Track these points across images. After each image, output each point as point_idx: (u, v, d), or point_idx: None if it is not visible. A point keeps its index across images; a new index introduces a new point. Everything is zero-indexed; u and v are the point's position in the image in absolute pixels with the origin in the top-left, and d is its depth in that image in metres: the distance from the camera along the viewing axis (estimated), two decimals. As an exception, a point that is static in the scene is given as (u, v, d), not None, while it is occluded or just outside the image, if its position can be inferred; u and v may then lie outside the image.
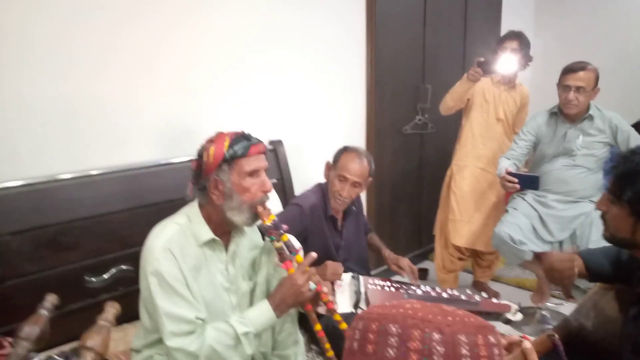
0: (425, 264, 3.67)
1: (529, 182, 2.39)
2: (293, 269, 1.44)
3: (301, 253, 1.51)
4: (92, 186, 1.85)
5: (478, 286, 3.20)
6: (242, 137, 1.43)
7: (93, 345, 0.92)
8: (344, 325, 1.51)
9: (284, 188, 2.48)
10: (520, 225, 2.47)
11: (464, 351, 0.54)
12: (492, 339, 0.58)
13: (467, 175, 2.97)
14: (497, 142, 2.93)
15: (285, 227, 1.46)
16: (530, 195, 2.61)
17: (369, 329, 0.57)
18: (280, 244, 1.44)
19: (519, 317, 1.96)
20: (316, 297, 1.49)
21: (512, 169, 2.49)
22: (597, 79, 2.40)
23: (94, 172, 1.88)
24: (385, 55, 3.16)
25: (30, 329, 0.91)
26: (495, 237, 2.51)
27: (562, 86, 2.43)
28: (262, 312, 1.41)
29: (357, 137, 3.13)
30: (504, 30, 3.53)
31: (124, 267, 1.87)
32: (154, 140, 2.11)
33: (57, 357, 1.54)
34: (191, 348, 1.31)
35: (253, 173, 1.43)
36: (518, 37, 2.79)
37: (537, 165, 2.67)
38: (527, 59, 2.82)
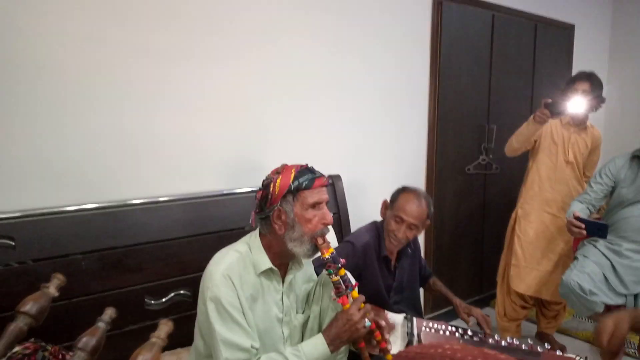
0: (485, 311, 3.50)
1: (596, 229, 2.25)
2: (349, 304, 1.41)
3: (357, 289, 1.49)
4: (158, 212, 1.94)
5: (542, 337, 3.01)
6: (307, 170, 1.46)
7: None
8: None
9: (340, 223, 2.47)
10: (591, 274, 2.32)
11: None
12: None
13: (533, 219, 2.84)
14: (567, 186, 2.80)
15: (343, 261, 1.45)
16: (602, 242, 2.46)
17: None
18: (337, 278, 1.43)
19: (585, 372, 1.82)
20: (369, 336, 1.45)
21: (582, 214, 2.36)
22: None
23: (160, 199, 1.97)
24: (449, 95, 3.15)
25: (87, 340, 0.94)
26: (563, 285, 2.36)
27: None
28: (317, 346, 1.39)
29: (418, 176, 3.10)
30: (575, 72, 3.44)
31: (182, 291, 1.92)
32: (219, 171, 2.19)
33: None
34: (243, 377, 1.30)
35: (315, 205, 1.43)
36: (589, 78, 2.70)
37: (614, 210, 2.51)
38: (599, 101, 2.70)
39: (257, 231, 1.50)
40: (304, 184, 1.41)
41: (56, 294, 1.02)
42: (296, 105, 2.45)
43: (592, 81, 2.69)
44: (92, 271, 1.75)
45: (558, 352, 1.89)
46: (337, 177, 2.56)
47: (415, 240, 2.15)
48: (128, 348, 1.77)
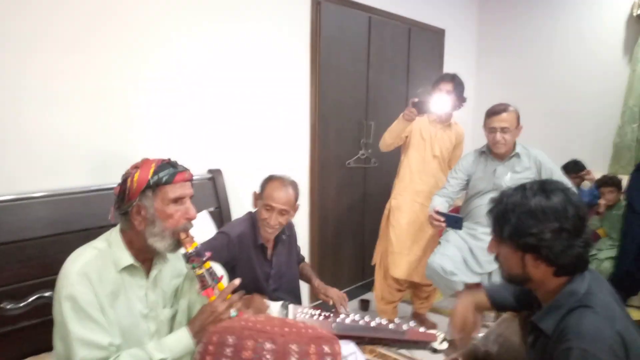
0: (368, 296, 3.71)
1: (453, 221, 2.49)
2: (214, 296, 1.44)
3: (224, 281, 1.52)
4: (15, 210, 1.81)
5: (417, 317, 3.26)
6: (167, 164, 1.45)
7: None
8: None
9: (221, 217, 2.49)
10: (452, 256, 2.57)
11: (293, 359, 0.58)
12: (326, 349, 0.62)
13: (405, 209, 3.06)
14: (434, 178, 3.05)
15: (208, 254, 1.48)
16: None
17: (210, 342, 0.60)
18: (202, 271, 1.45)
19: (444, 346, 2.02)
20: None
21: (442, 208, 2.59)
22: (518, 118, 2.57)
23: (17, 197, 1.84)
24: (330, 92, 3.28)
25: None
26: (428, 267, 2.59)
27: (488, 128, 2.58)
28: (180, 338, 1.40)
29: (301, 170, 3.19)
30: (446, 70, 3.73)
31: (46, 294, 1.82)
32: (86, 166, 2.10)
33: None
34: (102, 376, 1.28)
35: (177, 200, 1.44)
36: (452, 79, 2.96)
37: (470, 200, 2.79)
38: (461, 100, 2.98)
39: (117, 227, 1.47)
40: (164, 179, 1.40)
41: None
42: (174, 98, 2.42)
43: (455, 82, 2.95)
44: None
45: (421, 329, 2.05)
46: (217, 172, 2.57)
47: (290, 227, 2.23)
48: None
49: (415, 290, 3.24)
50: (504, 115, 2.52)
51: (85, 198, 2.01)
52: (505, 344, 1.43)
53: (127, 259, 1.42)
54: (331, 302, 2.19)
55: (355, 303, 3.57)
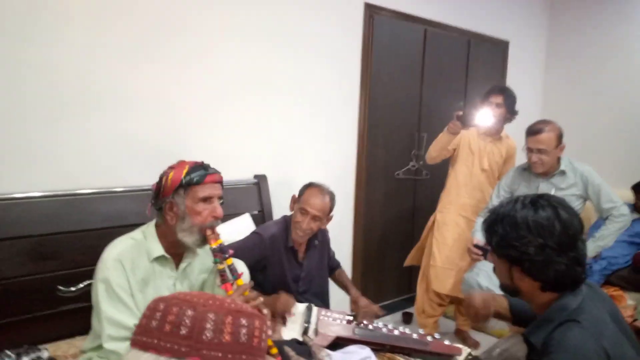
0: (413, 309, 3.69)
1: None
2: (232, 291, 1.56)
3: (244, 278, 1.63)
4: (74, 204, 2.05)
5: (459, 334, 3.21)
6: (200, 167, 1.60)
7: None
8: (274, 351, 1.60)
9: (263, 220, 2.62)
10: (489, 273, 2.52)
11: (208, 325, 0.66)
12: (243, 321, 0.69)
13: (450, 223, 3.05)
14: (481, 192, 3.01)
15: (231, 251, 1.60)
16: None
17: (147, 307, 0.71)
18: (223, 266, 1.57)
19: (468, 361, 2.00)
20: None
21: (481, 239, 2.56)
22: (559, 137, 2.47)
23: (77, 192, 2.08)
24: (380, 103, 3.34)
25: None
26: (464, 283, 2.57)
27: (527, 148, 2.52)
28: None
29: (347, 179, 3.27)
30: (510, 84, 3.63)
31: (95, 281, 2.03)
32: (140, 166, 2.30)
33: (9, 353, 1.68)
34: (124, 352, 1.43)
35: (206, 199, 1.58)
36: (502, 92, 2.92)
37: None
38: (512, 113, 2.93)
39: (153, 221, 1.64)
40: (195, 179, 1.55)
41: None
42: (226, 104, 2.59)
43: (505, 94, 2.91)
44: (5, 258, 1.85)
45: (446, 342, 2.05)
46: (262, 177, 2.71)
47: (324, 234, 2.31)
48: (39, 333, 1.90)
49: (459, 306, 3.20)
50: (541, 136, 2.44)
51: (138, 196, 2.21)
52: (510, 359, 1.42)
53: (159, 250, 1.58)
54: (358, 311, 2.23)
55: (398, 315, 3.57)
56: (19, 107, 1.96)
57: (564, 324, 1.15)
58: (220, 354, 0.66)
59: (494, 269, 1.36)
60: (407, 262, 3.28)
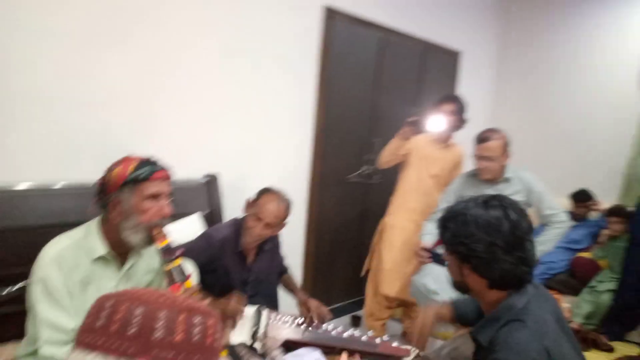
0: (362, 312, 3.72)
1: (438, 258, 2.52)
2: (180, 293, 1.50)
3: (192, 279, 1.58)
4: (9, 199, 1.93)
5: (406, 337, 3.25)
6: (147, 162, 1.54)
7: None
8: (224, 352, 1.57)
9: (212, 221, 2.56)
10: (436, 275, 2.57)
11: (158, 324, 0.63)
12: (197, 319, 0.66)
13: (399, 227, 3.09)
14: (429, 197, 3.07)
15: (179, 251, 1.54)
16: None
17: (92, 306, 0.67)
18: (170, 267, 1.51)
19: (416, 362, 2.03)
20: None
21: (430, 240, 2.63)
22: (505, 145, 2.55)
23: (13, 188, 1.96)
24: (335, 107, 3.35)
25: None
26: (412, 285, 2.62)
27: (475, 155, 2.60)
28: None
29: (300, 182, 3.26)
30: (461, 92, 3.73)
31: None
32: (90, 162, 2.20)
33: None
34: (63, 358, 1.35)
35: (153, 197, 1.52)
36: (454, 100, 3.00)
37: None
38: (461, 122, 3.01)
39: (97, 218, 1.56)
40: (141, 176, 1.49)
41: None
42: (178, 101, 2.52)
43: (456, 103, 2.99)
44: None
45: (394, 344, 2.07)
46: (213, 177, 2.65)
47: (274, 238, 2.28)
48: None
49: (406, 309, 3.25)
50: (489, 143, 2.52)
51: (79, 193, 2.09)
52: (459, 358, 1.45)
53: (101, 249, 1.50)
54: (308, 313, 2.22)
55: (347, 318, 3.59)
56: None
57: (510, 324, 1.19)
58: (171, 355, 0.63)
59: (447, 265, 1.39)
60: (365, 270, 3.29)
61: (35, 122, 2.04)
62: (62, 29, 2.07)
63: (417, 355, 2.05)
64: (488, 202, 1.29)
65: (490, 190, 2.63)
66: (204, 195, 2.60)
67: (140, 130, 2.39)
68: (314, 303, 2.20)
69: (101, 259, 1.51)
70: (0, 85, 1.93)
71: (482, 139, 2.54)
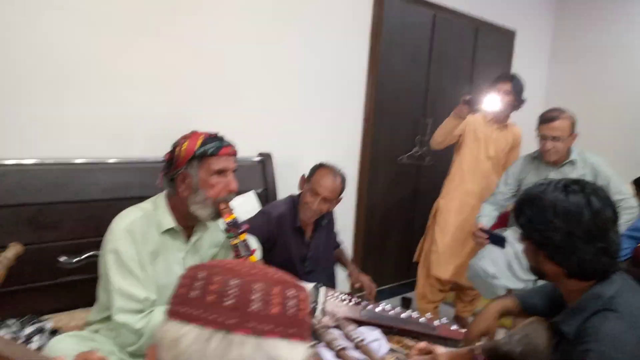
0: (412, 294, 3.68)
1: (496, 240, 2.43)
2: (245, 266, 1.51)
3: (257, 254, 1.59)
4: (78, 174, 1.98)
5: (459, 321, 3.20)
6: (214, 138, 1.54)
7: None
8: None
9: (267, 199, 2.56)
10: (495, 259, 2.50)
11: (254, 296, 0.61)
12: (290, 292, 0.64)
13: (454, 209, 3.02)
14: (486, 179, 2.98)
15: (245, 226, 1.55)
16: (511, 232, 2.64)
17: (185, 276, 0.65)
18: (237, 242, 1.52)
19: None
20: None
21: (487, 222, 2.55)
22: (573, 125, 2.43)
23: (78, 161, 2.01)
24: (387, 87, 3.28)
25: None
26: (470, 269, 2.54)
27: (540, 135, 2.49)
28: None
29: (351, 162, 3.22)
30: (515, 72, 3.60)
31: (98, 253, 1.96)
32: (147, 140, 2.24)
33: (13, 322, 1.63)
34: (137, 326, 1.38)
35: (220, 172, 1.52)
36: (511, 79, 2.88)
37: (521, 205, 2.70)
38: (519, 101, 2.89)
39: (165, 192, 1.58)
40: (209, 151, 1.49)
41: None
42: (231, 80, 2.51)
43: (513, 82, 2.87)
44: (3, 225, 1.78)
45: (453, 327, 2.03)
46: (267, 155, 2.65)
47: (330, 213, 2.27)
48: (39, 303, 1.83)
49: (459, 292, 3.19)
50: (556, 123, 2.40)
51: (142, 168, 2.14)
52: (530, 345, 1.39)
53: (170, 222, 1.52)
54: (358, 286, 2.22)
55: (397, 300, 3.56)
56: (18, 74, 1.88)
57: (599, 313, 1.12)
58: (268, 327, 0.60)
59: (523, 250, 1.33)
60: (418, 253, 3.24)
61: (90, 100, 2.07)
62: (117, 13, 2.09)
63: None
64: (569, 186, 1.20)
65: (553, 174, 2.53)
66: (259, 173, 2.60)
67: (194, 109, 2.40)
68: (366, 279, 2.19)
69: (169, 231, 1.53)
70: (57, 65, 1.96)
71: (548, 118, 2.43)
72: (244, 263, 0.67)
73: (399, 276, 3.74)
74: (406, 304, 3.49)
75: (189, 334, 0.59)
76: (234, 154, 1.58)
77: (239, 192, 2.42)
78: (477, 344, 1.48)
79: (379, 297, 2.83)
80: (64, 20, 1.95)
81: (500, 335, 1.55)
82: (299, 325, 0.63)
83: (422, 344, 1.50)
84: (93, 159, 2.06)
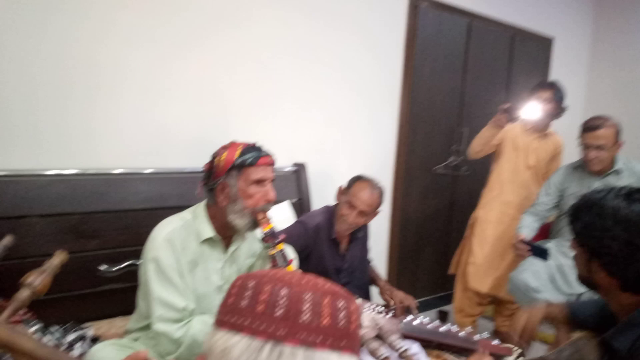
0: (448, 307, 3.60)
1: (538, 252, 2.36)
2: (283, 276, 1.49)
3: (294, 264, 1.57)
4: (117, 184, 2.01)
5: (498, 335, 3.09)
6: (253, 148, 1.54)
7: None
8: None
9: (301, 210, 2.56)
10: (538, 272, 2.41)
11: (305, 307, 0.59)
12: (341, 303, 0.62)
13: (492, 221, 2.94)
14: (526, 190, 2.90)
15: (282, 236, 1.53)
16: (553, 244, 2.56)
17: (234, 285, 0.64)
18: (274, 252, 1.50)
19: (519, 362, 1.91)
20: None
21: (528, 233, 2.48)
22: (617, 133, 2.34)
23: (117, 172, 2.05)
24: (421, 96, 3.24)
25: (34, 278, 1.03)
26: (510, 282, 2.47)
27: (583, 144, 2.40)
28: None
29: (385, 172, 3.19)
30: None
31: (137, 262, 1.99)
32: (182, 151, 2.27)
33: (56, 329, 1.65)
34: (176, 335, 1.38)
35: (259, 182, 1.52)
36: (552, 87, 2.80)
37: (563, 216, 2.61)
38: (560, 109, 2.81)
39: (204, 202, 1.58)
40: (248, 161, 1.49)
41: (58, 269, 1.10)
42: (266, 92, 2.53)
43: (554, 89, 2.79)
44: (47, 234, 1.82)
45: (495, 342, 1.96)
46: (302, 166, 2.64)
47: (365, 227, 2.24)
48: (80, 311, 1.86)
49: (498, 306, 3.09)
50: (600, 131, 2.32)
51: (179, 179, 2.17)
52: (581, 362, 1.33)
53: (209, 231, 1.52)
54: (393, 304, 2.16)
55: (432, 313, 3.48)
56: (59, 85, 1.93)
57: None
58: (319, 339, 0.59)
59: (574, 257, 1.27)
60: (454, 266, 3.17)
61: (129, 111, 2.11)
62: (157, 27, 2.13)
63: (520, 355, 1.93)
64: (632, 194, 1.14)
65: (597, 183, 2.44)
66: (293, 183, 2.60)
67: (230, 120, 2.42)
68: (399, 294, 2.13)
69: (208, 240, 1.53)
70: (98, 78, 2.01)
71: (591, 126, 2.35)
72: (293, 273, 0.66)
73: (435, 289, 3.66)
74: (443, 317, 3.41)
75: (238, 344, 0.58)
76: (272, 163, 1.57)
77: (275, 202, 2.45)
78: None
79: (427, 306, 2.78)
80: (105, 35, 2.00)
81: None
82: (349, 337, 0.61)
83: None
84: (131, 169, 2.09)
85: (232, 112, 2.43)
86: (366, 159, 3.04)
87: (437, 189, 3.51)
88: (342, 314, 0.61)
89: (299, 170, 2.62)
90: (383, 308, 2.01)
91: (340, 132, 2.89)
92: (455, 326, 2.01)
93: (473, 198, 3.54)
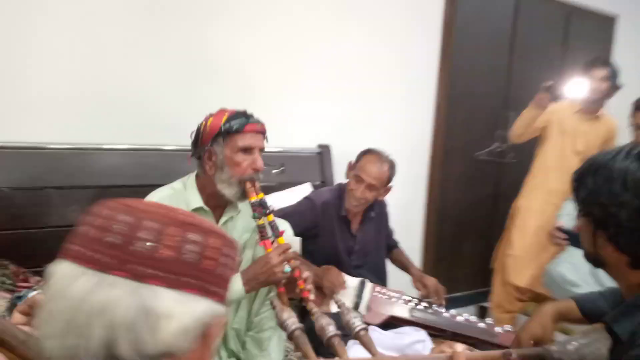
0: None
1: (577, 240, 2.12)
2: (271, 248, 1.44)
3: (286, 236, 1.51)
4: (134, 158, 2.04)
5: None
6: (241, 114, 1.50)
7: None
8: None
9: (324, 191, 2.49)
10: (577, 265, 2.19)
11: (141, 234, 0.52)
12: (194, 236, 0.54)
13: (535, 210, 2.72)
14: (573, 177, 2.65)
15: (272, 207, 1.48)
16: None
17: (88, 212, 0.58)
18: (262, 222, 1.45)
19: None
20: (293, 283, 1.46)
21: (568, 223, 2.27)
22: None
23: (135, 147, 2.08)
24: (462, 76, 3.06)
25: None
26: (547, 275, 2.27)
27: (634, 124, 2.14)
28: (232, 284, 1.42)
29: (421, 157, 3.05)
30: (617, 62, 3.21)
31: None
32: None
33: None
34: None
35: (246, 150, 1.47)
36: (606, 64, 2.55)
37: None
38: (615, 89, 2.55)
39: (195, 172, 1.56)
40: (234, 127, 1.45)
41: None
42: (289, 67, 2.47)
43: (609, 67, 2.54)
44: (65, 205, 1.87)
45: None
46: (326, 147, 2.58)
47: (382, 206, 2.13)
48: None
49: (539, 303, 2.85)
50: None
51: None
52: (591, 356, 1.16)
53: (197, 201, 1.50)
54: (424, 293, 2.02)
55: (472, 309, 3.28)
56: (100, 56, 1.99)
57: None
58: (151, 271, 0.51)
59: (577, 228, 1.11)
60: (494, 262, 2.97)
61: (156, 86, 2.14)
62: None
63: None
64: None
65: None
66: (317, 165, 2.54)
67: (256, 100, 2.36)
68: (432, 281, 2.00)
69: (198, 210, 1.50)
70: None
71: None
72: (154, 204, 0.58)
73: (476, 283, 3.45)
74: (482, 313, 3.21)
75: (62, 270, 0.53)
76: (262, 131, 1.52)
77: (297, 184, 2.39)
78: (516, 349, 1.27)
79: (453, 305, 2.63)
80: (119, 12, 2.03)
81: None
82: (199, 276, 0.54)
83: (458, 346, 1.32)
84: (151, 145, 2.12)
85: (256, 89, 2.37)
86: (398, 141, 2.87)
87: (480, 177, 3.31)
88: (190, 247, 0.54)
89: (323, 153, 2.56)
90: (417, 301, 1.89)
91: (371, 112, 2.77)
92: (474, 317, 1.87)
93: (519, 187, 3.31)
